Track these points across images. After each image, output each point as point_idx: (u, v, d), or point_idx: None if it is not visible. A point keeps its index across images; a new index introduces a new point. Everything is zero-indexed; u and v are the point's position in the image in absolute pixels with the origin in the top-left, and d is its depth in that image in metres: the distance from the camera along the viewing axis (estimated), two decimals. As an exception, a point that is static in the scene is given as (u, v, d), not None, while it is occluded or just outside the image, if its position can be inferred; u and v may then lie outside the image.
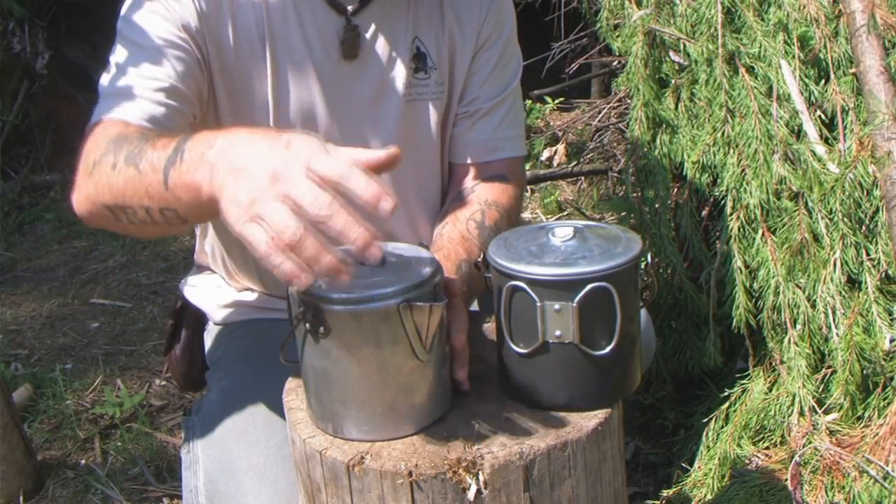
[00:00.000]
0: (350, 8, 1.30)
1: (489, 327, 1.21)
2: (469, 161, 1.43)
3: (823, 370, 1.74)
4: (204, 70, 1.27)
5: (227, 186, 0.88)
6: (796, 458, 1.64)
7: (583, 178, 3.46)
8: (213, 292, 1.53)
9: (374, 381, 0.94)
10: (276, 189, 0.84)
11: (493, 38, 1.40)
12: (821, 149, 1.81)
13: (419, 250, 1.01)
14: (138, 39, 1.23)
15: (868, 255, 1.70)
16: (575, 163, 3.36)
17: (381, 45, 1.34)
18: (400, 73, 1.35)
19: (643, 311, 1.49)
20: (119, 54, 1.24)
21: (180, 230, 1.08)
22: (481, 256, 1.06)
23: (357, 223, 0.83)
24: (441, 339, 0.98)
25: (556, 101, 3.98)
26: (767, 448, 1.76)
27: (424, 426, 0.98)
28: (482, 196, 1.37)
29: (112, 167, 1.06)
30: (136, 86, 1.19)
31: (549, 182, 3.73)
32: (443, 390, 1.00)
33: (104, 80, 1.24)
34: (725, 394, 1.86)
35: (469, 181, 1.42)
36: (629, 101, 2.20)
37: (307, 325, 0.92)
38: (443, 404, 1.00)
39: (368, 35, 1.33)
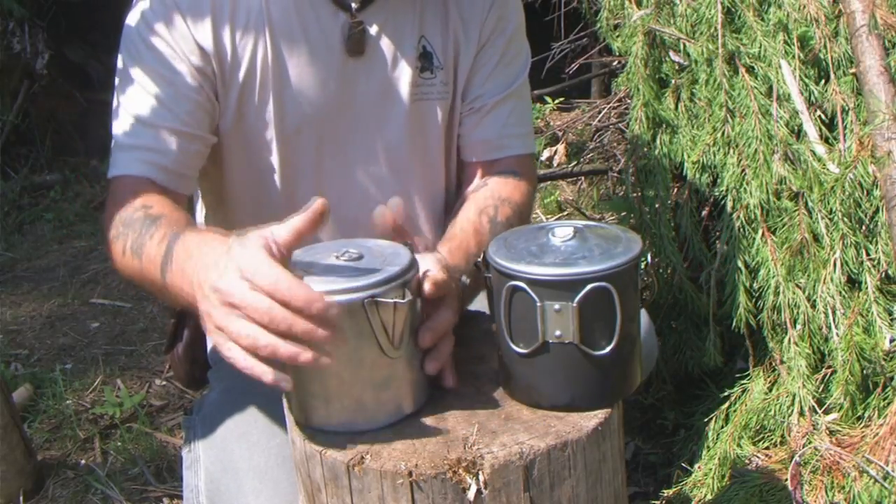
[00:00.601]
0: (354, 5, 1.30)
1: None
2: (478, 159, 1.42)
3: (823, 370, 1.74)
4: (211, 94, 1.28)
5: (197, 300, 0.96)
6: (796, 458, 1.64)
7: (583, 178, 3.45)
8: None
9: (343, 375, 0.95)
10: (224, 303, 0.90)
11: (497, 34, 1.39)
12: (821, 149, 1.81)
13: (398, 248, 1.02)
14: (143, 82, 1.26)
15: (868, 255, 1.70)
16: (575, 163, 3.36)
17: (387, 43, 1.33)
18: (406, 73, 1.35)
19: (645, 317, 1.49)
20: (126, 97, 1.27)
21: None
22: (481, 256, 1.06)
23: (285, 339, 0.87)
24: (413, 336, 0.99)
25: (556, 101, 3.98)
26: (767, 448, 1.76)
27: (394, 421, 0.99)
28: (496, 192, 1.36)
29: (122, 253, 1.18)
30: (147, 137, 1.25)
31: (549, 182, 3.73)
32: (414, 386, 1.00)
33: (116, 122, 1.28)
34: (725, 394, 1.86)
35: (479, 179, 1.41)
36: (629, 101, 2.20)
37: None
38: (415, 400, 1.01)
39: (374, 32, 1.32)
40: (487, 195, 1.35)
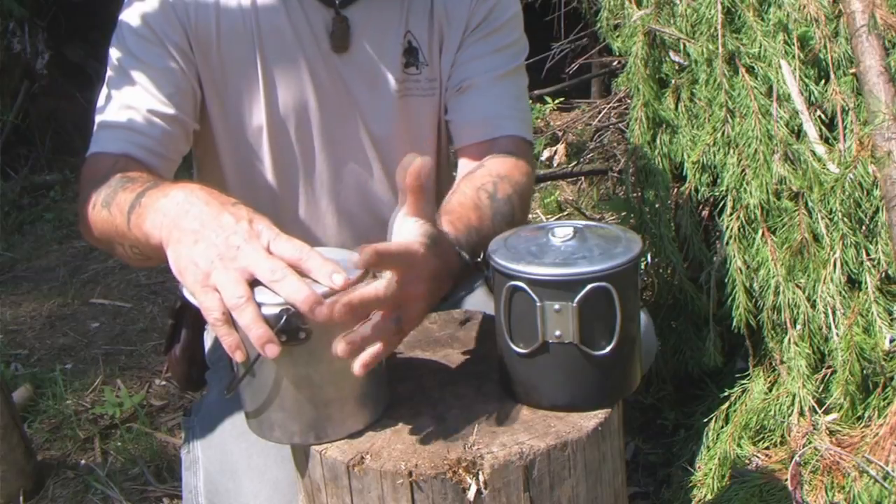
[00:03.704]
0: (338, 0, 1.31)
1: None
2: (473, 141, 1.36)
3: (823, 370, 1.74)
4: (194, 79, 1.30)
5: (183, 244, 0.92)
6: (796, 458, 1.64)
7: (583, 178, 3.45)
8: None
9: (306, 381, 0.94)
10: (236, 263, 0.88)
11: (486, 23, 1.37)
12: (821, 149, 1.81)
13: (355, 255, 1.00)
14: (129, 67, 1.27)
15: (868, 255, 1.70)
16: (575, 163, 3.36)
17: (372, 39, 1.33)
18: (391, 68, 1.35)
19: (644, 315, 1.49)
20: (113, 82, 1.29)
21: (157, 265, 1.15)
22: (481, 255, 1.05)
23: (306, 287, 0.85)
24: None
25: (556, 101, 3.98)
26: (767, 448, 1.76)
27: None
28: (493, 170, 1.27)
29: (92, 207, 1.16)
30: (129, 117, 1.25)
31: (549, 182, 3.73)
32: (368, 396, 1.00)
33: (100, 106, 1.29)
34: (725, 394, 1.86)
35: (476, 162, 1.34)
36: (629, 101, 2.20)
37: (284, 336, 0.89)
38: (371, 410, 1.00)
39: (359, 27, 1.33)
40: (484, 173, 1.26)
